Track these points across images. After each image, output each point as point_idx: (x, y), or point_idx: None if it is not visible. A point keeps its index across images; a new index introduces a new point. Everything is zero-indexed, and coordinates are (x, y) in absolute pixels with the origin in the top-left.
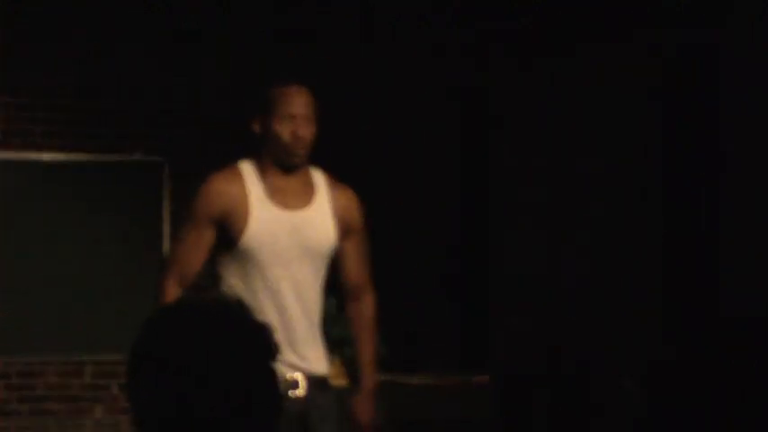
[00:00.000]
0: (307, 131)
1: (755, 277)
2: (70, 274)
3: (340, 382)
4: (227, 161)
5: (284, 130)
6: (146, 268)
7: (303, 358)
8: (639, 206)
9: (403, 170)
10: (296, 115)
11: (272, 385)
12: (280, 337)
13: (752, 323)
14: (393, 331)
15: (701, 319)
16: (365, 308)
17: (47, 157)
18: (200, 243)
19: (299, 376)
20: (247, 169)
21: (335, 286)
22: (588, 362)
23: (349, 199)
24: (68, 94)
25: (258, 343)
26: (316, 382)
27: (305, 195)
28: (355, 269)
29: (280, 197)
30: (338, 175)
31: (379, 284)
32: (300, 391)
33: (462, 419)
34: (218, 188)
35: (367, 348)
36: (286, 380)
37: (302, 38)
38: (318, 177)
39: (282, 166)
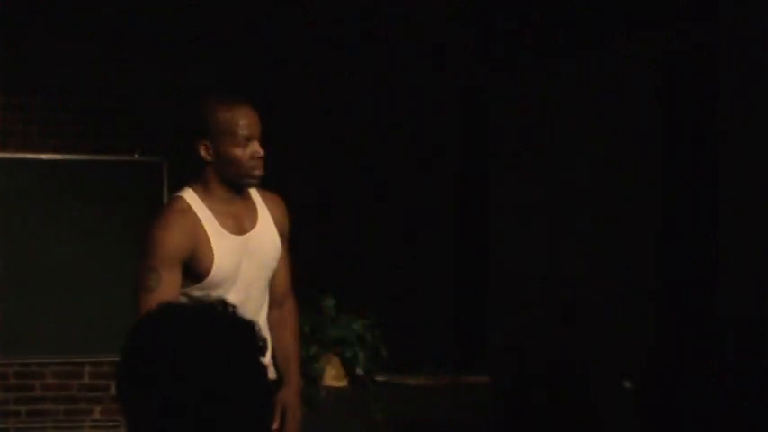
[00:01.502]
0: (262, 151)
1: (754, 278)
2: (68, 274)
3: (339, 382)
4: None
5: (244, 154)
6: None
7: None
8: (638, 205)
9: (401, 169)
10: (253, 137)
11: (263, 380)
12: None
13: (750, 323)
14: (391, 332)
15: (699, 319)
16: (289, 313)
17: (45, 156)
18: (175, 284)
19: None
20: (192, 200)
21: (335, 287)
22: (587, 362)
23: (280, 206)
24: (66, 93)
25: (246, 340)
26: (273, 385)
27: (250, 215)
28: (282, 278)
29: (230, 223)
30: (338, 175)
31: (378, 285)
32: None
33: (460, 420)
34: (180, 230)
35: (294, 347)
36: None
37: (306, 38)
38: (253, 193)
39: (236, 188)
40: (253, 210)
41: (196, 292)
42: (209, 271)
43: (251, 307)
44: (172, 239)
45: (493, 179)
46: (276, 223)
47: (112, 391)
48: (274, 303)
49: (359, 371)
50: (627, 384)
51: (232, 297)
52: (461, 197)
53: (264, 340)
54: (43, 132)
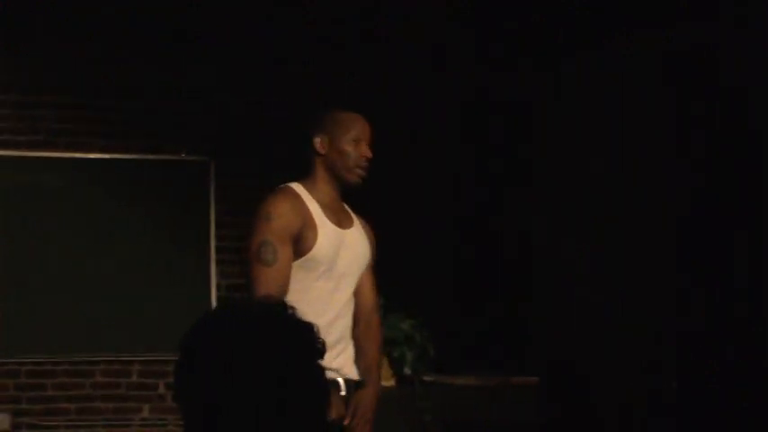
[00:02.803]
0: (370, 155)
1: None
2: (117, 273)
3: (387, 382)
4: (270, 160)
5: (354, 150)
6: (194, 267)
7: (344, 364)
8: (676, 204)
9: (447, 172)
10: (364, 140)
11: (321, 381)
12: (332, 343)
13: None
14: (439, 332)
15: (740, 318)
16: (376, 328)
17: (93, 156)
18: (289, 260)
19: (340, 380)
20: (300, 190)
21: (383, 286)
22: (631, 363)
23: (369, 228)
24: (114, 93)
25: (304, 340)
26: (353, 385)
27: (347, 218)
28: (369, 295)
29: (331, 216)
30: (378, 182)
31: (426, 285)
32: (342, 393)
33: (508, 421)
34: (292, 206)
35: (377, 359)
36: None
37: (345, 45)
38: (347, 206)
39: (341, 184)
40: (348, 215)
41: (296, 272)
42: (310, 249)
43: (340, 297)
44: (285, 214)
45: (535, 180)
46: (367, 237)
47: (161, 389)
48: (362, 318)
49: (406, 371)
50: (672, 385)
51: (325, 284)
52: (505, 198)
53: (323, 342)
54: (91, 132)
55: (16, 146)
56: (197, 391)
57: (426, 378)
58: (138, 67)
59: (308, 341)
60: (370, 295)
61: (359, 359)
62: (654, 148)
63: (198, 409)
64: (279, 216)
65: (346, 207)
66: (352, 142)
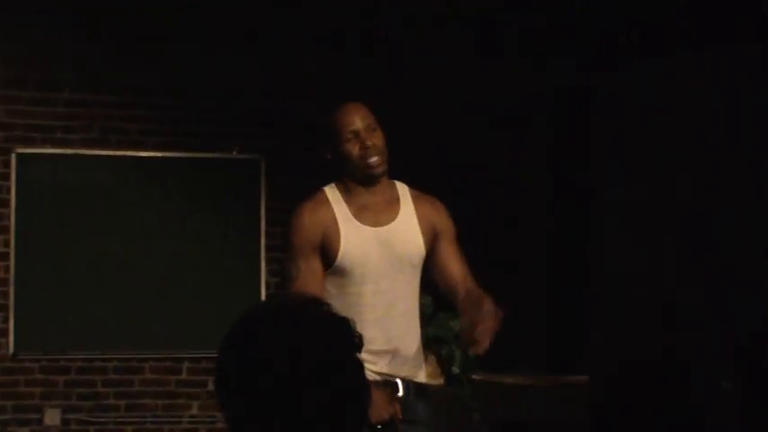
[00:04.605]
0: (374, 140)
1: None
2: (167, 270)
3: (436, 380)
4: (320, 159)
5: (353, 149)
6: (243, 265)
7: (401, 365)
8: (741, 205)
9: (498, 172)
10: (358, 130)
11: (361, 375)
12: (377, 347)
13: None
14: None
15: None
16: (475, 292)
17: (144, 154)
18: (316, 271)
19: (397, 381)
20: (332, 193)
21: (431, 285)
22: (687, 363)
23: (433, 205)
24: (165, 92)
25: (343, 335)
26: (414, 387)
27: (390, 210)
28: (454, 266)
29: (366, 215)
30: (426, 180)
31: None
32: (399, 394)
33: (558, 420)
34: (311, 217)
35: (487, 311)
36: (385, 384)
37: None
38: (403, 190)
39: (365, 182)
40: (394, 205)
41: (332, 279)
42: (336, 255)
43: (384, 299)
44: (303, 227)
45: (592, 180)
46: (422, 220)
47: (210, 386)
48: (458, 291)
49: (455, 369)
50: (726, 385)
51: (364, 288)
52: (558, 197)
53: (360, 336)
54: (143, 130)
55: (70, 144)
56: (236, 389)
57: (475, 377)
58: (189, 67)
59: (343, 334)
60: (454, 267)
61: (474, 326)
62: (758, 147)
63: (238, 406)
64: (299, 229)
65: (400, 192)
66: (349, 142)
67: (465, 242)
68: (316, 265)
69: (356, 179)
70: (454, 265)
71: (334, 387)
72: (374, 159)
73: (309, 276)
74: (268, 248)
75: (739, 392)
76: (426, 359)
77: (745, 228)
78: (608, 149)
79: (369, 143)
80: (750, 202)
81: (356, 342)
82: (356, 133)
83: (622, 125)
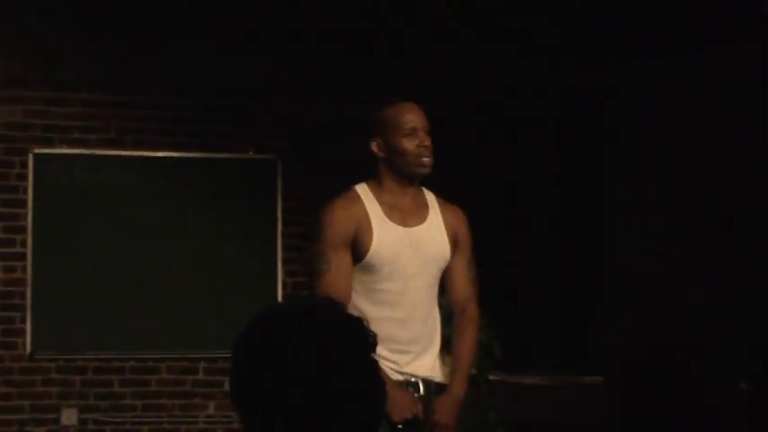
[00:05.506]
0: (429, 142)
1: None
2: (184, 270)
3: None
4: (337, 159)
5: (410, 144)
6: (260, 265)
7: (421, 365)
8: (752, 205)
9: (509, 172)
10: (418, 128)
11: (375, 374)
12: (399, 346)
13: None
14: (505, 331)
15: None
16: (468, 322)
17: (160, 154)
18: (346, 266)
19: (418, 381)
20: (363, 192)
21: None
22: (702, 362)
23: (457, 216)
24: (181, 91)
25: (353, 335)
26: (434, 387)
27: (419, 213)
28: (461, 285)
29: (397, 215)
30: (436, 181)
31: (491, 284)
32: (419, 394)
33: (574, 421)
34: (345, 212)
35: (465, 359)
36: (406, 384)
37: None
38: (430, 196)
39: (409, 179)
40: (423, 209)
41: (358, 276)
42: (367, 250)
43: (409, 299)
44: (336, 221)
45: (607, 179)
46: (447, 227)
47: (226, 387)
48: (456, 311)
49: (471, 370)
50: (742, 385)
51: (391, 285)
52: (571, 197)
53: (374, 335)
54: (159, 130)
55: (86, 144)
56: (251, 390)
57: (492, 377)
58: (205, 67)
59: (358, 334)
60: (460, 286)
61: (454, 360)
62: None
63: (253, 406)
64: (331, 223)
65: (428, 198)
66: (407, 137)
67: (478, 242)
68: (347, 260)
69: (399, 175)
70: (461, 283)
71: (349, 385)
72: (427, 159)
73: (340, 271)
74: (284, 248)
75: (755, 393)
76: (444, 360)
77: (757, 227)
78: (621, 148)
79: (426, 143)
80: (761, 201)
81: (371, 342)
82: (415, 130)
83: (636, 124)
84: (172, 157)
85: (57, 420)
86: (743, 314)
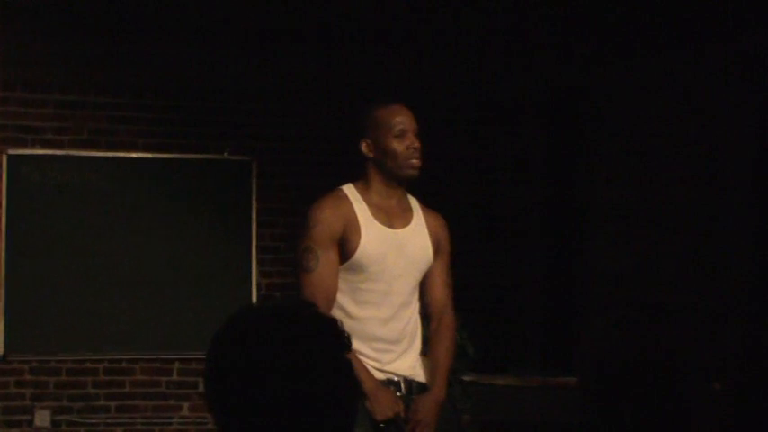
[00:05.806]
0: (419, 144)
1: None
2: (158, 272)
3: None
4: (312, 160)
5: (400, 145)
6: (235, 266)
7: (403, 365)
8: (729, 206)
9: (490, 171)
10: (407, 130)
11: (349, 375)
12: (382, 345)
13: None
14: (479, 332)
15: None
16: (446, 328)
17: (134, 155)
18: (333, 265)
19: (399, 380)
20: (350, 192)
21: None
22: (677, 364)
23: (440, 222)
24: (155, 92)
25: (327, 335)
26: (415, 386)
27: (404, 216)
28: (439, 291)
29: (383, 217)
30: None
31: (465, 285)
32: (400, 393)
33: (549, 421)
34: (333, 211)
35: (444, 362)
36: (388, 383)
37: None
38: (413, 200)
39: (397, 180)
40: (407, 212)
41: (343, 275)
42: (354, 251)
43: (393, 300)
44: (325, 219)
45: (582, 179)
46: (431, 232)
47: (201, 388)
48: (433, 316)
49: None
50: (716, 386)
51: (377, 286)
52: (548, 197)
53: (348, 336)
54: (132, 131)
55: (60, 145)
56: (225, 392)
57: (466, 378)
58: (179, 68)
59: (329, 334)
60: (438, 292)
61: (430, 359)
62: (746, 146)
63: (227, 409)
64: (319, 222)
65: (412, 203)
66: (397, 138)
67: (457, 243)
68: (334, 258)
69: (388, 176)
70: (439, 288)
71: (322, 386)
72: (416, 161)
73: (327, 269)
74: (259, 250)
75: (729, 394)
76: (422, 361)
77: (735, 227)
78: (600, 149)
79: (416, 144)
80: (741, 201)
81: (345, 343)
82: (405, 132)
83: (613, 124)
84: (146, 159)
85: (30, 422)
86: (718, 315)
